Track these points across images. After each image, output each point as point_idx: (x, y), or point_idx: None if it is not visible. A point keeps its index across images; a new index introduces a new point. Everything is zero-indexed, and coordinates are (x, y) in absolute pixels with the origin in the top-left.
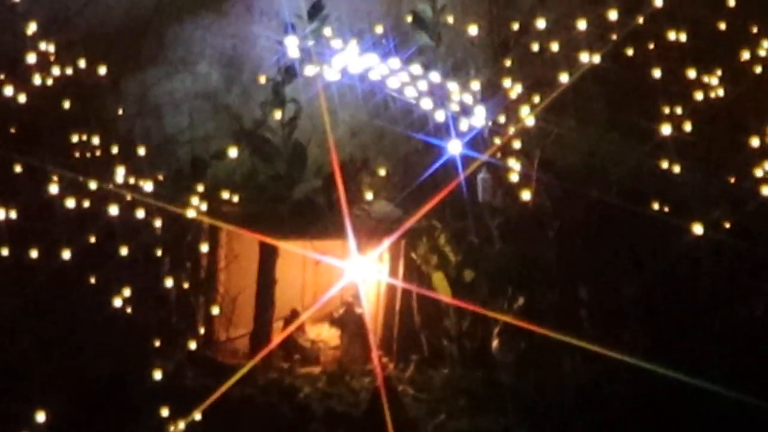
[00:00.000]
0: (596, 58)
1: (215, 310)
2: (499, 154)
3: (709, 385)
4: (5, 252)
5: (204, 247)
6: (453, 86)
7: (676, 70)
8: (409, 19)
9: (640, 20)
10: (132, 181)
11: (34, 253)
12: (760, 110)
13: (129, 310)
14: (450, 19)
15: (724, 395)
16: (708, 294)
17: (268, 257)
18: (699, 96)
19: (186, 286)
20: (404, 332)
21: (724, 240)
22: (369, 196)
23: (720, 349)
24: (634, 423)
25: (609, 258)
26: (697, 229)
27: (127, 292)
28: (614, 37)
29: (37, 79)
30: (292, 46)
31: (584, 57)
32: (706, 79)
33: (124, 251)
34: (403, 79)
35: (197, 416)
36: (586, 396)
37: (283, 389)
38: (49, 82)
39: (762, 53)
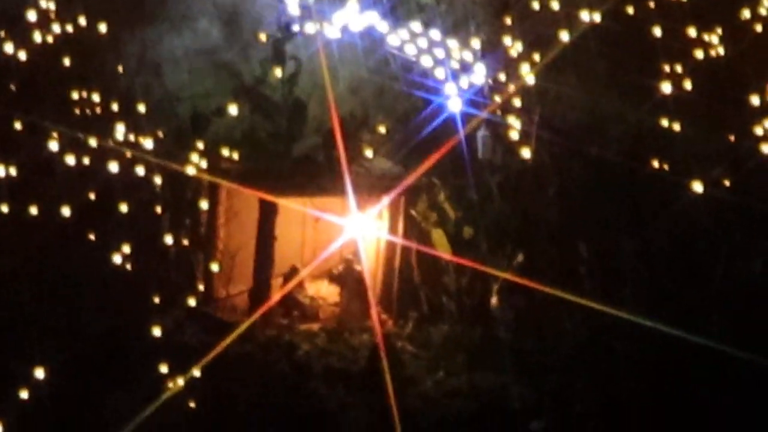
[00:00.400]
0: (596, 17)
1: (215, 267)
2: (499, 112)
3: (707, 342)
4: (5, 209)
5: (204, 204)
6: (453, 44)
7: (677, 28)
8: None
9: None
10: (132, 138)
11: (34, 210)
12: (761, 68)
13: (129, 266)
14: None
15: (722, 351)
16: (707, 251)
17: (267, 214)
18: (699, 54)
19: (186, 242)
20: (403, 289)
21: (724, 198)
22: (369, 153)
23: (719, 306)
24: (634, 379)
25: (609, 215)
26: (697, 186)
27: (126, 248)
28: None
29: (37, 37)
30: (292, 3)
31: (584, 15)
32: (706, 37)
33: (123, 208)
34: (403, 36)
35: (196, 372)
36: (584, 352)
37: (282, 346)
38: (50, 39)
39: (763, 12)
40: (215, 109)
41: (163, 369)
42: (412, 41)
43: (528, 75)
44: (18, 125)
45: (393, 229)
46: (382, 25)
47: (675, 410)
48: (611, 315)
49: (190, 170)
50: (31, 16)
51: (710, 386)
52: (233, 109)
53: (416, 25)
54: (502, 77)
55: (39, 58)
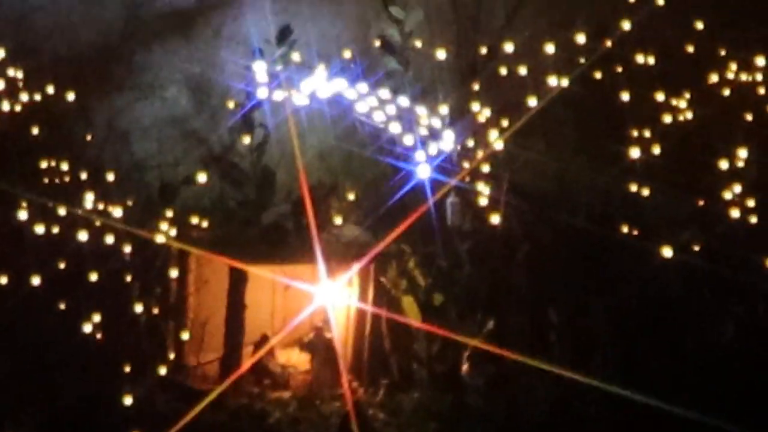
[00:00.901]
0: (564, 82)
1: (185, 335)
2: (468, 178)
3: (679, 409)
4: None
5: (173, 273)
6: (421, 110)
7: (645, 93)
8: (378, 43)
9: (609, 44)
10: (101, 206)
11: (3, 279)
12: (729, 133)
13: (99, 335)
14: (418, 44)
15: (693, 419)
16: (678, 316)
17: (237, 282)
18: (668, 119)
19: (156, 311)
20: (374, 356)
21: (694, 262)
22: (338, 220)
23: (690, 372)
24: None
25: (578, 281)
26: (667, 251)
27: (97, 317)
28: (582, 60)
29: (5, 105)
30: (260, 71)
31: (553, 81)
32: (674, 102)
33: (93, 277)
34: (372, 103)
35: None
36: (555, 419)
37: (253, 414)
38: (18, 108)
39: (730, 76)
40: (184, 178)
41: None
42: (380, 108)
43: (496, 141)
44: (22, 206)
45: (363, 297)
46: (350, 92)
47: None
48: (580, 382)
49: (160, 239)
50: None
51: None
52: (202, 178)
53: (384, 92)
54: (471, 143)
55: (7, 126)
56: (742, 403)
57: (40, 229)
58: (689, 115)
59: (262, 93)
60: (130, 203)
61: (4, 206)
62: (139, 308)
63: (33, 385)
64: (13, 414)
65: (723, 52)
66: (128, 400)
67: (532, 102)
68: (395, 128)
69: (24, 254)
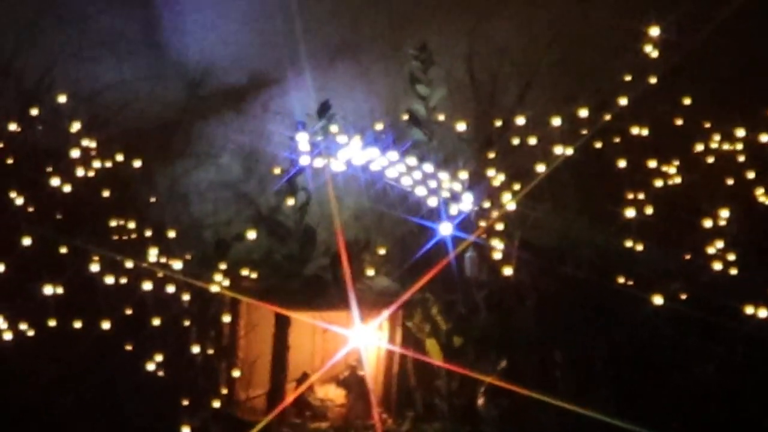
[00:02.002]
0: (569, 151)
1: (236, 373)
2: (484, 235)
3: None
4: (53, 323)
5: (226, 318)
6: (444, 176)
7: (639, 160)
8: (405, 117)
9: (608, 117)
10: (163, 260)
11: (77, 324)
12: (712, 195)
13: (161, 372)
14: (441, 117)
15: None
16: (667, 357)
17: (282, 326)
18: (659, 183)
19: (210, 351)
20: (401, 391)
21: (681, 309)
22: (370, 272)
23: (678, 405)
24: None
25: (581, 326)
26: (658, 299)
27: (159, 357)
28: (584, 132)
29: (80, 171)
30: (302, 141)
31: (558, 150)
32: (665, 168)
33: (156, 321)
34: (400, 169)
35: None
36: None
37: None
38: (91, 173)
39: (714, 145)
40: (236, 235)
41: None
42: (407, 173)
43: (509, 203)
44: (64, 249)
45: (391, 339)
46: (381, 160)
47: None
48: (583, 415)
49: (214, 288)
50: (75, 153)
51: None
52: (252, 235)
53: (411, 160)
54: (487, 204)
55: (81, 189)
56: (723, 430)
57: (110, 279)
58: (678, 180)
59: (304, 160)
60: (188, 257)
61: (78, 260)
62: (196, 349)
63: (103, 417)
64: None
65: (708, 125)
66: (186, 431)
67: (541, 168)
68: (421, 191)
69: (95, 302)
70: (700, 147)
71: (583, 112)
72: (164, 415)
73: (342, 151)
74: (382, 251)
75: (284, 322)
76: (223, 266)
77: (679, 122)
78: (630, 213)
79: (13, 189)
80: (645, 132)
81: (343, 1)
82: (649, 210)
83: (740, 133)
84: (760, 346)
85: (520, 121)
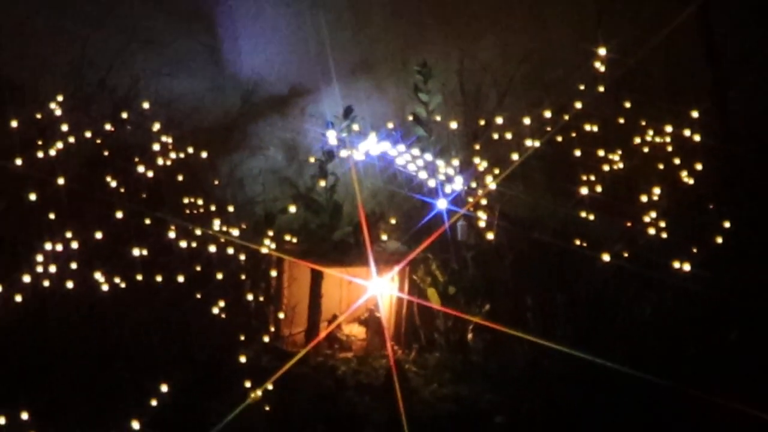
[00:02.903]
0: (536, 143)
1: (281, 315)
2: (471, 209)
3: (613, 363)
4: (139, 277)
5: (273, 273)
6: (440, 163)
7: (590, 150)
8: (410, 118)
9: (566, 117)
10: (224, 228)
11: (158, 278)
12: (647, 177)
13: (223, 315)
14: (438, 118)
15: (624, 372)
16: (613, 301)
17: (316, 279)
18: (606, 168)
19: (261, 299)
20: (408, 328)
21: (623, 265)
22: (384, 237)
23: (622, 339)
24: (563, 389)
25: (546, 278)
26: (605, 257)
27: (221, 303)
28: (548, 129)
29: (160, 161)
30: (331, 137)
31: (528, 142)
32: (610, 156)
33: (219, 276)
34: (407, 158)
35: (269, 386)
36: (531, 372)
37: (327, 368)
38: (168, 162)
39: (648, 138)
40: (280, 209)
41: (247, 384)
42: (412, 161)
43: (491, 184)
44: (147, 220)
45: (401, 288)
46: (392, 151)
47: (591, 409)
48: (548, 346)
49: (264, 250)
50: (156, 147)
51: (612, 393)
52: (292, 209)
53: (415, 151)
54: (473, 185)
55: (161, 175)
56: (656, 359)
57: (183, 244)
58: (620, 165)
59: (332, 152)
60: (243, 226)
61: (159, 228)
62: (249, 297)
63: (179, 350)
64: (166, 369)
65: (643, 123)
66: (243, 359)
67: (515, 157)
68: (422, 175)
69: (172, 261)
70: (637, 140)
71: (547, 114)
72: (226, 348)
73: (361, 145)
74: (393, 221)
75: (318, 275)
76: (270, 233)
77: (621, 121)
78: (584, 191)
79: (109, 174)
80: (595, 128)
81: (362, 29)
82: (598, 188)
83: (668, 128)
84: (684, 293)
85: (499, 120)
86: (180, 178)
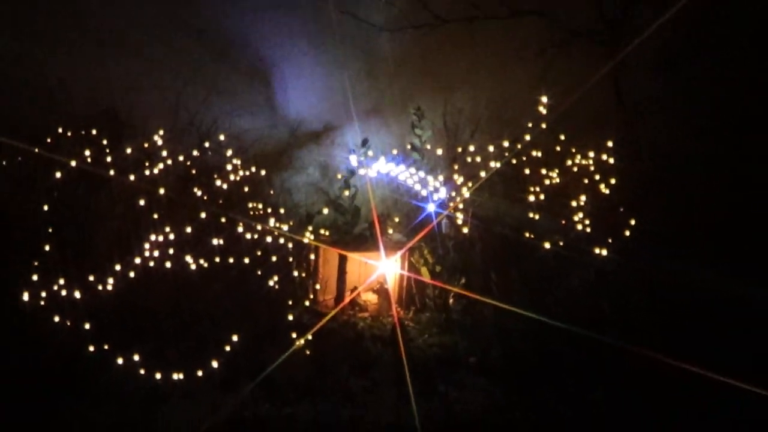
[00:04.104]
0: (498, 164)
1: (317, 286)
2: (452, 211)
3: (553, 321)
4: (217, 259)
5: (311, 256)
6: (430, 178)
7: (536, 169)
8: (409, 146)
9: (519, 146)
10: (277, 225)
11: (230, 260)
12: (575, 189)
13: (276, 287)
14: (428, 146)
15: (560, 326)
16: (552, 275)
17: (342, 261)
18: (547, 182)
19: (303, 275)
20: (407, 296)
21: (559, 251)
22: (390, 231)
23: (558, 303)
24: (518, 339)
25: (504, 260)
26: (546, 245)
27: (275, 278)
28: (507, 154)
29: (231, 177)
30: (353, 160)
31: (492, 164)
32: (551, 174)
33: (273, 258)
34: (406, 175)
35: (309, 337)
36: (495, 327)
37: (350, 324)
38: (237, 178)
39: (576, 161)
40: (316, 211)
41: (293, 335)
42: (410, 177)
43: (466, 193)
44: (223, 219)
45: (402, 267)
46: (395, 170)
47: (537, 352)
48: (506, 308)
49: (305, 240)
50: (228, 167)
51: (551, 341)
52: (325, 211)
53: (412, 170)
54: (453, 194)
55: (232, 187)
56: (582, 317)
57: (248, 236)
58: (557, 180)
59: (354, 171)
60: (291, 223)
61: (231, 225)
62: (295, 273)
63: (245, 312)
64: (236, 326)
65: (573, 150)
66: (290, 318)
67: (482, 174)
68: (417, 187)
69: (240, 248)
70: (569, 162)
71: (506, 143)
72: (278, 309)
73: (374, 165)
74: (396, 220)
75: (343, 258)
76: (309, 228)
77: (558, 148)
78: (531, 198)
79: (195, 187)
80: (539, 154)
81: (374, 84)
82: (541, 196)
83: (591, 154)
84: (602, 271)
85: (471, 148)
86: (245, 189)
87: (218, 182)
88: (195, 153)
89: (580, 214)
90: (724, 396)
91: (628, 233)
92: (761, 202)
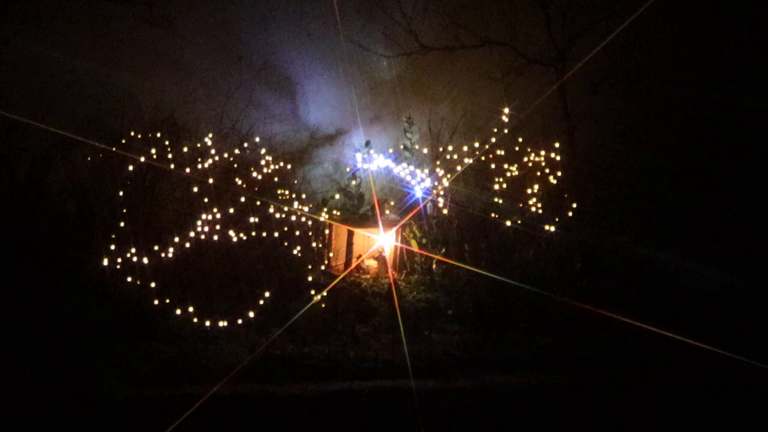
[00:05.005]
0: (470, 160)
1: (331, 254)
2: (435, 196)
3: (513, 282)
4: (254, 233)
5: (326, 231)
6: (418, 171)
7: (500, 165)
8: (402, 147)
9: (487, 146)
10: (300, 207)
11: (264, 234)
12: (530, 180)
13: (299, 254)
14: (417, 146)
15: (519, 286)
16: (511, 247)
17: (350, 235)
18: (508, 174)
19: (320, 245)
20: (400, 262)
21: (518, 227)
22: (387, 212)
23: (517, 268)
24: (486, 296)
25: (475, 234)
26: (508, 223)
27: (298, 247)
28: (477, 152)
29: (264, 170)
30: (359, 157)
31: (467, 160)
32: (511, 168)
33: (297, 233)
34: (400, 169)
35: (324, 293)
36: (468, 286)
37: (356, 283)
38: (269, 171)
39: (531, 158)
40: (330, 197)
41: (312, 292)
42: (403, 170)
43: (446, 183)
44: (258, 202)
45: (396, 239)
46: (392, 165)
47: (500, 306)
48: (477, 272)
49: (322, 219)
50: (262, 162)
51: (511, 297)
52: (337, 197)
53: (404, 165)
54: (436, 183)
55: (265, 177)
56: (535, 279)
57: (277, 215)
58: (516, 173)
59: (359, 165)
60: (311, 205)
61: (265, 207)
62: (314, 244)
63: (275, 274)
64: (268, 284)
65: (529, 149)
66: (309, 278)
67: (458, 168)
68: (408, 178)
69: (272, 225)
70: (525, 159)
71: (476, 144)
72: (300, 272)
73: (375, 161)
74: (392, 203)
75: (351, 233)
76: (325, 209)
77: (517, 148)
78: (496, 187)
79: (236, 177)
80: (502, 153)
81: (375, 98)
82: (504, 185)
83: (543, 153)
84: (550, 243)
85: (450, 148)
86: (275, 179)
87: (254, 174)
88: (236, 151)
89: (534, 199)
90: (638, 336)
91: (569, 213)
92: (662, 188)
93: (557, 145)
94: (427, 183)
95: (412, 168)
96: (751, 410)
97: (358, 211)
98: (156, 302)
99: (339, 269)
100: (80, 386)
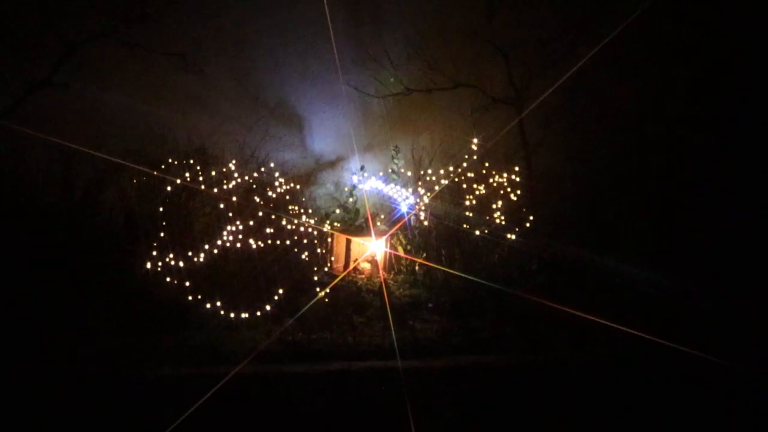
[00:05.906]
0: (446, 181)
1: (332, 258)
2: (418, 210)
3: (481, 281)
4: (269, 242)
5: (329, 239)
6: (403, 190)
7: (470, 185)
8: (390, 170)
9: (459, 170)
10: (307, 220)
11: (278, 242)
12: (495, 197)
13: (307, 258)
14: (402, 170)
15: (485, 284)
16: (480, 252)
17: (348, 243)
18: (477, 192)
19: (324, 251)
20: (389, 264)
21: (485, 236)
22: (379, 223)
23: (485, 269)
24: (459, 292)
25: (451, 242)
26: (477, 232)
27: (306, 252)
28: (452, 174)
29: (279, 190)
30: (355, 179)
31: (443, 181)
32: (480, 187)
33: (305, 241)
34: (389, 189)
35: (327, 290)
36: (444, 284)
37: (352, 282)
38: (282, 190)
39: (496, 179)
40: (332, 211)
41: (317, 289)
42: (391, 190)
43: (426, 200)
44: (273, 216)
45: (386, 246)
46: (382, 185)
47: (472, 300)
48: (452, 272)
49: (325, 229)
50: (276, 183)
51: (479, 293)
52: (337, 211)
53: (392, 185)
54: (418, 200)
55: (278, 196)
56: (499, 278)
57: (289, 227)
58: (483, 191)
59: (356, 185)
60: (316, 218)
61: (278, 220)
62: (318, 250)
63: (287, 274)
64: (281, 282)
65: (494, 172)
66: (315, 278)
67: (437, 188)
68: (396, 196)
69: (284, 235)
70: (491, 180)
71: (451, 168)
72: (307, 272)
73: (368, 182)
74: (382, 216)
75: (349, 241)
76: (327, 222)
77: (484, 171)
78: (467, 203)
79: (255, 196)
80: (472, 175)
81: (368, 130)
82: (474, 202)
83: (505, 175)
84: (511, 249)
85: (429, 171)
86: (287, 197)
87: (270, 193)
88: (255, 174)
89: (498, 213)
90: (582, 324)
91: (527, 224)
92: (604, 201)
93: (517, 168)
94: (411, 200)
95: (398, 188)
96: (660, 383)
97: (354, 223)
98: (190, 298)
99: (339, 270)
100: (129, 365)
